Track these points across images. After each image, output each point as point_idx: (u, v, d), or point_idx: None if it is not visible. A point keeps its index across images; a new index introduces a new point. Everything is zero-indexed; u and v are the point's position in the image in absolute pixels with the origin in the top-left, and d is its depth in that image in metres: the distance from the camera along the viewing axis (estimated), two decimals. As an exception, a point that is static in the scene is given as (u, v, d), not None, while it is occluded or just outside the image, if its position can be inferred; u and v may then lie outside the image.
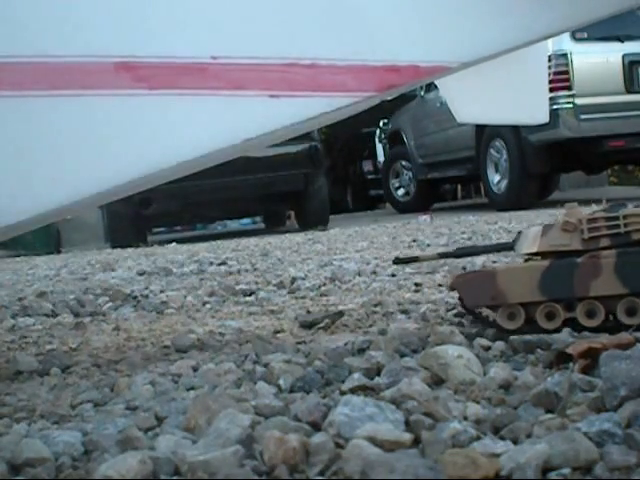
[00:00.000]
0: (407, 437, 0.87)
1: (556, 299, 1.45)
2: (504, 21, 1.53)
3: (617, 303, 1.43)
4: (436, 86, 2.45)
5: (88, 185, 1.41)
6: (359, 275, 2.91)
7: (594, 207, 1.59)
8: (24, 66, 1.38)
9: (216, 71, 1.42)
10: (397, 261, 1.76)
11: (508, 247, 1.64)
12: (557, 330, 1.43)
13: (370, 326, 1.82)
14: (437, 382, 1.18)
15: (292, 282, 2.86)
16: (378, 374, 1.26)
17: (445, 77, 1.74)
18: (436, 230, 5.58)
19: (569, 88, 7.23)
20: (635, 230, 1.44)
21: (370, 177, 14.10)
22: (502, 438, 0.91)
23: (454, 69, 1.54)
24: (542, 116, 2.21)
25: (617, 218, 1.45)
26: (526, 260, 1.58)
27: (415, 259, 1.73)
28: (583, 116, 7.22)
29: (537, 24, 1.54)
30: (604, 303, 1.44)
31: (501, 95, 2.11)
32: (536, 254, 1.52)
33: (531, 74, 2.10)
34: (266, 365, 1.39)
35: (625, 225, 1.44)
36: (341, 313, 1.94)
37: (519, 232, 1.62)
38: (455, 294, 1.65)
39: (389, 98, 1.61)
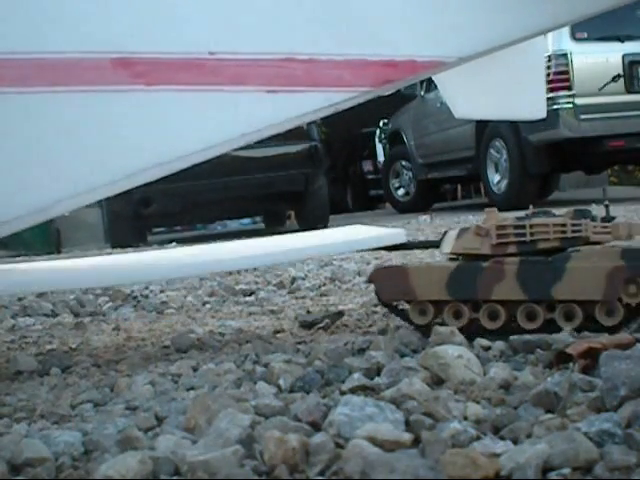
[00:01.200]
0: (407, 437, 0.87)
1: (462, 300, 1.51)
2: (501, 16, 1.53)
3: (517, 308, 1.48)
4: (436, 86, 2.44)
5: (87, 180, 1.41)
6: (359, 275, 2.91)
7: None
8: (22, 62, 1.38)
9: (214, 66, 1.42)
10: (389, 248, 1.84)
11: (435, 245, 1.69)
12: (462, 329, 1.46)
13: (370, 326, 1.82)
14: (437, 382, 1.18)
15: (292, 282, 2.86)
16: (378, 374, 1.26)
17: (442, 72, 1.74)
18: (436, 230, 5.58)
19: (569, 88, 7.23)
20: (540, 239, 1.48)
21: (370, 177, 14.09)
22: (502, 438, 0.91)
23: (451, 64, 1.54)
24: (539, 111, 2.21)
25: (524, 227, 1.49)
26: (449, 260, 1.62)
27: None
28: (583, 116, 7.21)
29: (534, 19, 1.54)
30: (506, 307, 1.49)
31: (498, 90, 2.10)
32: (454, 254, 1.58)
33: (528, 69, 2.10)
34: (266, 365, 1.39)
35: (531, 234, 1.48)
36: (341, 313, 1.94)
37: (445, 231, 1.66)
38: None
39: (386, 93, 1.61)
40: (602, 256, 1.44)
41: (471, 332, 1.45)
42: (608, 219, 1.52)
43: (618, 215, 1.74)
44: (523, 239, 1.49)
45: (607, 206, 1.52)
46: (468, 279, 1.49)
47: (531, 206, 1.62)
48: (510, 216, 1.57)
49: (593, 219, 1.51)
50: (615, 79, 1.91)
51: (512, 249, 1.49)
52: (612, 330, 1.40)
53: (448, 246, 1.57)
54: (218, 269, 2.00)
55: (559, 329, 1.42)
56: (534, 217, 1.52)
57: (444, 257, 1.64)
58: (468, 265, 1.51)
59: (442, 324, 1.50)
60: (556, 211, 1.54)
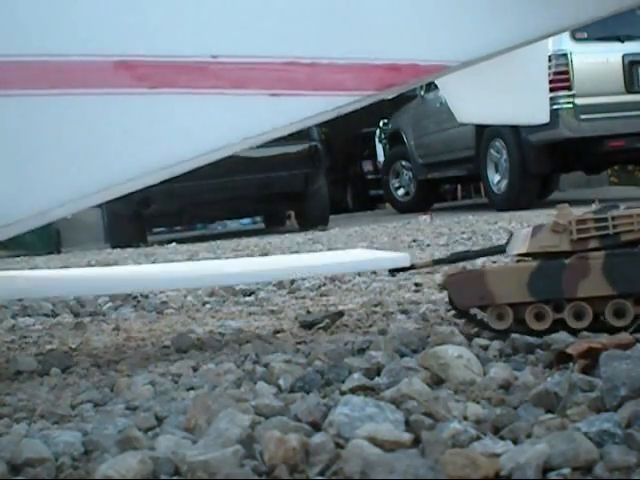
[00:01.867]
0: (407, 437, 0.87)
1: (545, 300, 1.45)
2: (503, 20, 1.53)
3: (605, 304, 1.43)
4: (436, 86, 2.45)
5: (88, 184, 1.41)
6: (359, 275, 2.91)
7: (593, 206, 1.58)
8: (24, 65, 1.38)
9: (216, 70, 1.42)
10: (393, 270, 1.77)
11: (500, 250, 1.64)
12: (547, 331, 1.43)
13: (370, 326, 1.82)
14: (437, 382, 1.18)
15: (292, 282, 2.86)
16: (378, 374, 1.26)
17: (445, 76, 1.74)
18: (436, 230, 5.58)
19: (569, 88, 7.23)
20: (624, 231, 1.44)
21: (370, 177, 14.10)
22: (502, 438, 0.91)
23: (454, 68, 1.54)
24: (542, 116, 2.21)
25: (606, 219, 1.45)
26: (517, 261, 1.58)
27: (411, 267, 1.73)
28: (583, 116, 7.21)
29: (536, 23, 1.54)
30: (592, 304, 1.44)
31: (501, 95, 2.11)
32: (527, 255, 1.52)
33: (531, 73, 2.10)
34: (266, 365, 1.39)
35: (614, 227, 1.44)
36: (341, 313, 1.94)
37: (510, 234, 1.62)
38: None
39: (389, 97, 1.62)
40: None
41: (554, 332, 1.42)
42: None
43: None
44: (606, 232, 1.45)
45: None
46: (552, 277, 1.45)
47: (597, 201, 1.58)
48: (583, 211, 1.53)
49: None
50: None
51: (594, 244, 1.45)
52: None
53: (521, 246, 1.52)
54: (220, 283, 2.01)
55: None
56: (612, 210, 1.48)
57: (512, 259, 1.57)
58: (550, 263, 1.46)
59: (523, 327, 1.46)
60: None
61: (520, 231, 1.57)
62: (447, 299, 1.61)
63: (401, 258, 1.75)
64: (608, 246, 1.44)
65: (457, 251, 1.71)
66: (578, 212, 1.51)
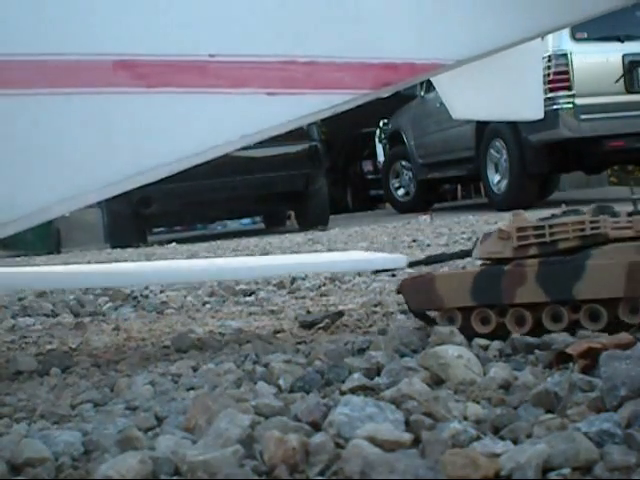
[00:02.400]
0: (407, 437, 0.87)
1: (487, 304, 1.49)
2: (499, 19, 1.53)
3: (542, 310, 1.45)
4: (436, 86, 2.45)
5: (86, 182, 1.41)
6: (359, 275, 2.91)
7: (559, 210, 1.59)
8: (23, 64, 1.38)
9: (214, 69, 1.42)
10: (376, 272, 1.80)
11: (470, 254, 1.66)
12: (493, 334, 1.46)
13: (370, 326, 1.82)
14: (437, 382, 1.18)
15: (292, 282, 2.86)
16: (378, 374, 1.26)
17: (440, 74, 1.75)
18: (436, 230, 5.58)
19: (569, 88, 7.23)
20: (560, 239, 1.46)
21: (370, 177, 14.10)
22: (502, 438, 0.91)
23: (449, 66, 1.54)
24: (537, 112, 2.21)
25: (543, 228, 1.47)
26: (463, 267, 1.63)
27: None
28: (583, 116, 7.21)
29: (532, 21, 1.54)
30: (531, 310, 1.46)
31: (495, 91, 2.11)
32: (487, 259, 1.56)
33: (525, 69, 2.10)
34: (266, 365, 1.39)
35: (551, 234, 1.46)
36: (341, 313, 1.94)
37: (477, 238, 1.64)
38: None
39: (385, 95, 1.62)
40: (622, 252, 1.42)
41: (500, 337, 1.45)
42: (635, 213, 1.48)
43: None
44: (543, 240, 1.47)
45: (635, 200, 1.48)
46: (491, 283, 1.48)
47: (563, 205, 1.60)
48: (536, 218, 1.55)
49: (614, 215, 1.47)
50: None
51: (533, 251, 1.47)
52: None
53: (476, 252, 1.57)
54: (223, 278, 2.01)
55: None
56: (559, 217, 1.50)
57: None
58: (490, 270, 1.50)
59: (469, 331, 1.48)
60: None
61: (481, 235, 1.59)
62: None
63: (399, 259, 1.75)
64: (545, 253, 1.46)
65: (432, 254, 1.75)
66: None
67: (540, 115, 2.20)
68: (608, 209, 1.48)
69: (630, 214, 1.47)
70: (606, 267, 1.40)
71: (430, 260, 1.76)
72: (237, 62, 1.43)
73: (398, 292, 1.63)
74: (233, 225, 13.19)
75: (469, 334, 1.46)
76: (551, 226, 1.46)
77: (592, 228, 1.44)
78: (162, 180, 1.49)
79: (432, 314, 1.61)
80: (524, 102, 2.20)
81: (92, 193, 1.43)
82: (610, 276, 1.39)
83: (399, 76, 1.49)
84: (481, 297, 1.48)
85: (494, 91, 2.10)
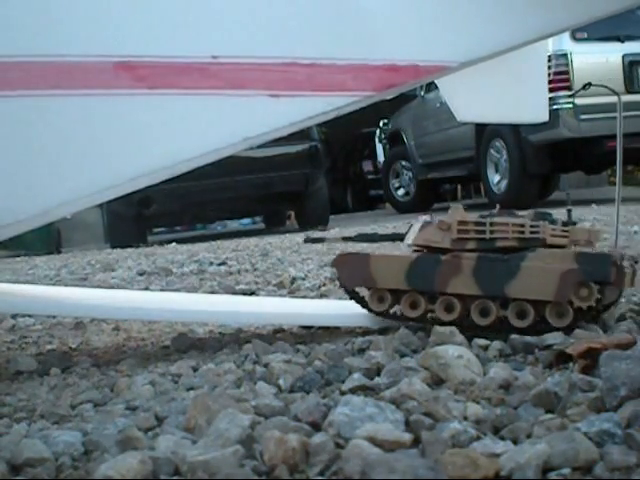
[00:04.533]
0: (407, 437, 0.87)
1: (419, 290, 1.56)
2: (503, 21, 1.53)
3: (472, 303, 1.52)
4: (436, 86, 2.45)
5: (88, 184, 1.41)
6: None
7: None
8: (24, 66, 1.38)
9: (216, 71, 1.42)
10: (307, 240, 1.83)
11: (401, 237, 1.73)
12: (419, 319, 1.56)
13: (370, 326, 1.82)
14: (437, 382, 1.18)
15: (292, 282, 2.86)
16: (378, 374, 1.26)
17: (444, 76, 1.75)
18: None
19: (569, 88, 7.23)
20: (499, 238, 1.52)
21: (370, 177, 14.10)
22: (502, 438, 0.91)
23: (453, 69, 1.54)
24: (542, 115, 2.21)
25: (484, 224, 1.52)
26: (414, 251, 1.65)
27: (322, 240, 1.80)
28: (583, 116, 7.21)
29: (536, 23, 1.54)
30: (462, 301, 1.52)
31: (501, 94, 2.11)
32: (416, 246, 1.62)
33: (531, 73, 2.10)
34: (266, 365, 1.39)
35: (491, 232, 1.52)
36: (341, 313, 1.94)
37: (410, 224, 1.69)
38: None
39: (388, 98, 1.62)
40: (557, 258, 1.47)
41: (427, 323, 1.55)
42: (569, 223, 1.55)
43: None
44: (482, 236, 1.52)
45: (569, 211, 1.56)
46: (427, 271, 1.54)
47: (498, 205, 1.64)
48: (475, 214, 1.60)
49: (553, 222, 1.54)
50: (585, 87, 1.96)
51: (471, 245, 1.53)
52: (561, 331, 1.43)
53: (411, 237, 1.62)
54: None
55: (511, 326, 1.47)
56: (498, 216, 1.55)
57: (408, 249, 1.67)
58: (428, 257, 1.56)
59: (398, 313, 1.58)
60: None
61: (417, 223, 1.64)
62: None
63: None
64: (482, 249, 1.52)
65: (365, 232, 1.81)
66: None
67: (545, 118, 2.20)
68: (547, 216, 1.54)
69: (565, 224, 1.54)
70: (540, 270, 1.46)
71: (361, 238, 1.80)
72: (239, 64, 1.43)
73: (332, 266, 1.67)
74: (233, 225, 13.18)
75: (397, 316, 1.57)
76: (492, 224, 1.52)
77: (531, 232, 1.50)
78: (162, 180, 1.49)
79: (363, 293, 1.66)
80: (528, 104, 2.20)
81: (93, 195, 1.43)
82: (543, 279, 1.45)
83: (402, 78, 1.49)
84: (415, 282, 1.55)
85: (498, 93, 2.10)
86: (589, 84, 1.79)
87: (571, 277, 1.44)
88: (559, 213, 1.69)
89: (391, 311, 1.60)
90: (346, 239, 1.80)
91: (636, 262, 1.69)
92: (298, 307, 1.98)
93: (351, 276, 1.62)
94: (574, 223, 1.57)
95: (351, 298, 1.67)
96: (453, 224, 1.54)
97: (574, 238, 1.52)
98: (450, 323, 1.51)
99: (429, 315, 1.58)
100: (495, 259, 1.49)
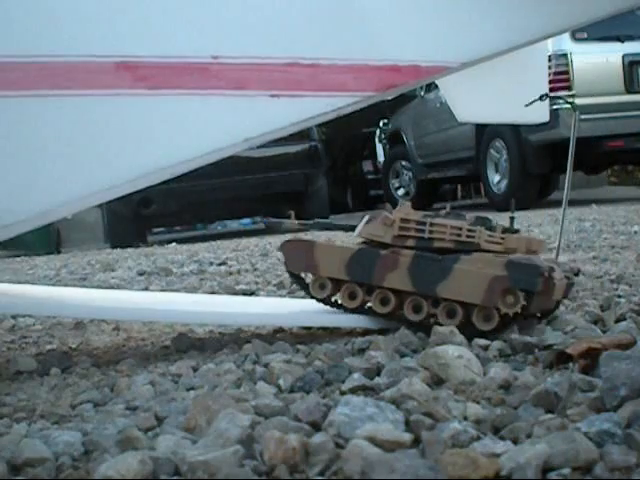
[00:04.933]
0: (407, 437, 0.87)
1: (357, 281, 1.60)
2: (504, 21, 1.53)
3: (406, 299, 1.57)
4: (436, 86, 2.46)
5: (88, 184, 1.41)
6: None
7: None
8: (25, 66, 1.38)
9: (217, 71, 1.42)
10: (269, 224, 1.88)
11: (354, 229, 1.75)
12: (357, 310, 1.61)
13: (370, 326, 1.82)
14: (437, 382, 1.18)
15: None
16: (378, 374, 1.26)
17: (445, 77, 1.75)
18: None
19: (569, 88, 7.23)
20: (437, 239, 1.56)
21: (370, 177, 14.10)
22: (502, 438, 0.91)
23: (454, 69, 1.54)
24: (542, 115, 2.21)
25: (425, 224, 1.57)
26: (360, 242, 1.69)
27: (280, 224, 1.86)
28: (583, 116, 7.20)
29: (536, 24, 1.54)
30: (396, 295, 1.57)
31: (501, 94, 2.11)
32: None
33: (531, 73, 2.10)
34: (266, 365, 1.39)
35: (430, 232, 1.56)
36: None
37: (363, 216, 1.72)
38: None
39: (389, 98, 1.63)
40: (488, 264, 1.50)
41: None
42: (511, 231, 1.59)
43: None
44: (421, 235, 1.57)
45: (512, 218, 1.60)
46: (366, 263, 1.58)
47: (448, 206, 1.67)
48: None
49: (491, 228, 1.58)
50: (542, 98, 1.98)
51: (410, 243, 1.58)
52: (486, 335, 1.47)
53: (357, 230, 1.66)
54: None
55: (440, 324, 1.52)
56: (440, 217, 1.60)
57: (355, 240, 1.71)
58: (368, 250, 1.60)
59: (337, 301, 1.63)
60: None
61: (365, 216, 1.68)
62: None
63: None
64: (420, 248, 1.56)
65: (321, 220, 1.85)
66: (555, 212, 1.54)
67: (545, 118, 2.20)
68: (487, 221, 1.59)
69: (504, 231, 1.58)
70: (471, 274, 1.50)
71: (317, 225, 1.83)
72: (240, 64, 1.44)
73: (279, 250, 1.72)
74: (233, 225, 13.18)
75: (338, 305, 1.63)
76: (432, 224, 1.57)
77: (468, 236, 1.55)
78: (162, 181, 1.49)
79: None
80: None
81: (93, 196, 1.43)
82: (472, 283, 1.50)
83: (403, 78, 1.49)
84: (354, 273, 1.60)
85: (499, 94, 2.10)
86: (546, 95, 1.83)
87: (499, 283, 1.47)
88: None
89: (332, 299, 1.66)
90: (302, 225, 1.83)
91: (576, 275, 1.76)
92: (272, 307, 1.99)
93: (296, 261, 1.68)
94: (516, 231, 1.59)
95: (294, 282, 1.73)
96: (396, 221, 1.58)
97: (509, 246, 1.55)
98: (385, 316, 1.59)
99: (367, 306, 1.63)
100: (430, 258, 1.54)
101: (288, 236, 1.89)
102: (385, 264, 1.57)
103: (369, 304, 1.62)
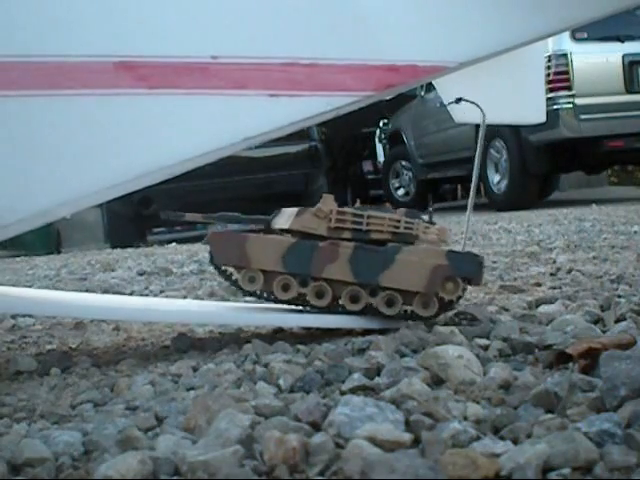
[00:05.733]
0: (407, 437, 0.87)
1: (294, 273, 1.60)
2: (502, 21, 1.53)
3: (343, 289, 1.59)
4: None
5: (88, 184, 1.41)
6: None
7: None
8: (24, 66, 1.38)
9: (216, 70, 1.42)
10: (165, 216, 1.81)
11: (266, 221, 1.76)
12: (290, 302, 1.62)
13: (370, 326, 1.82)
14: (437, 382, 1.18)
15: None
16: (378, 374, 1.26)
17: (442, 77, 1.75)
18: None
19: (569, 88, 7.24)
20: (375, 230, 1.60)
21: (370, 177, 14.10)
22: (502, 438, 0.91)
23: (452, 69, 1.54)
24: (539, 116, 2.21)
25: (362, 216, 1.60)
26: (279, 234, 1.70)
27: (182, 216, 1.80)
28: (583, 116, 7.22)
29: (535, 24, 1.54)
30: (333, 287, 1.60)
31: (498, 95, 2.11)
32: (288, 231, 1.67)
33: (528, 74, 2.10)
34: (266, 365, 1.39)
35: (367, 224, 1.60)
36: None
37: (276, 211, 1.74)
38: None
39: (387, 98, 1.63)
40: (429, 254, 1.58)
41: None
42: (431, 223, 1.67)
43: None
44: (359, 227, 1.61)
45: (430, 212, 1.68)
46: (304, 255, 1.59)
47: (358, 200, 1.70)
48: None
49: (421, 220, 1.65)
50: (457, 102, 2.00)
51: (347, 235, 1.61)
52: (425, 320, 1.58)
53: (285, 223, 1.66)
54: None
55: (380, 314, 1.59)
56: (370, 209, 1.64)
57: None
58: (305, 243, 1.61)
59: (270, 294, 1.63)
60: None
61: (286, 210, 1.70)
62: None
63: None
64: (358, 239, 1.60)
65: (227, 213, 1.81)
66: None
67: (542, 119, 2.20)
68: (415, 214, 1.65)
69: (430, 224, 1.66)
70: (413, 263, 1.57)
71: (222, 218, 1.81)
72: (239, 64, 1.44)
73: (205, 243, 1.68)
74: (233, 225, 13.18)
75: (267, 298, 1.63)
76: (369, 216, 1.61)
77: (406, 228, 1.61)
78: (162, 180, 1.49)
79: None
80: (526, 105, 2.20)
81: (93, 195, 1.43)
82: (415, 272, 1.57)
83: (401, 78, 1.49)
84: (291, 265, 1.60)
85: (496, 94, 2.10)
86: (460, 99, 1.86)
87: (441, 272, 1.57)
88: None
89: (263, 292, 1.65)
90: (207, 218, 1.80)
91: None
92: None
93: (225, 254, 1.65)
94: (433, 224, 1.68)
95: (220, 275, 1.71)
96: (332, 213, 1.61)
97: (430, 237, 1.64)
98: (321, 308, 1.61)
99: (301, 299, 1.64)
100: (371, 250, 1.58)
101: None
102: (324, 255, 1.58)
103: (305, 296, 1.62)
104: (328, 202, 1.63)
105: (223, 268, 1.69)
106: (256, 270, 1.62)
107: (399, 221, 1.61)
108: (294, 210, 1.66)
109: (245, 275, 1.64)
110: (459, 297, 1.60)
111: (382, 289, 1.58)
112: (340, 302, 1.61)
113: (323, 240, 1.61)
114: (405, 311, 1.61)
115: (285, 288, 1.62)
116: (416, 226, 1.62)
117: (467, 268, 1.59)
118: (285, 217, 1.67)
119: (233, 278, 1.68)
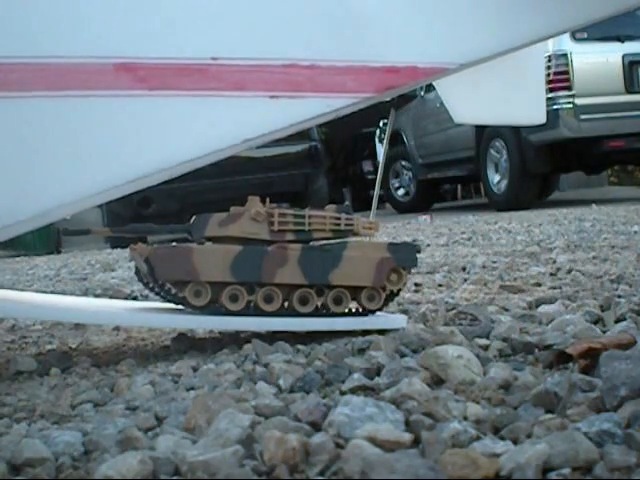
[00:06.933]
0: (407, 437, 0.87)
1: (244, 282, 1.56)
2: (502, 22, 1.53)
3: (294, 292, 1.58)
4: (436, 86, 2.46)
5: (88, 185, 1.42)
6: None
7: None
8: (24, 67, 1.38)
9: (216, 72, 1.42)
10: (65, 232, 1.74)
11: (184, 230, 1.68)
12: (241, 313, 1.57)
13: (370, 326, 1.82)
14: (437, 382, 1.18)
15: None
16: (378, 374, 1.26)
17: (443, 78, 1.75)
18: (436, 230, 5.58)
19: (569, 88, 7.24)
20: (317, 230, 1.60)
21: (370, 177, 14.10)
22: (502, 438, 0.91)
23: (452, 70, 1.54)
24: (539, 116, 2.21)
25: (304, 217, 1.60)
26: (202, 243, 1.62)
27: (87, 232, 1.69)
28: (583, 116, 7.22)
29: (535, 25, 1.54)
30: (282, 290, 1.58)
31: (498, 95, 2.11)
32: (221, 239, 1.59)
33: (528, 74, 2.11)
34: (266, 365, 1.39)
35: (309, 224, 1.60)
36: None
37: (195, 217, 1.64)
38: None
39: (387, 99, 1.63)
40: (373, 248, 1.62)
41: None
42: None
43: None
44: (302, 228, 1.60)
45: (348, 205, 1.69)
46: (253, 262, 1.56)
47: (268, 199, 1.67)
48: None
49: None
50: (392, 102, 2.02)
51: (290, 237, 1.60)
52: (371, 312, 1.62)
53: (217, 230, 1.59)
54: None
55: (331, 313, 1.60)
56: (307, 209, 1.64)
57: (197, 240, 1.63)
58: (254, 249, 1.58)
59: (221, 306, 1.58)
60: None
61: (208, 215, 1.62)
62: (145, 272, 1.62)
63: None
64: (302, 240, 1.60)
65: (137, 224, 1.74)
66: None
67: (542, 119, 2.20)
68: (346, 209, 1.66)
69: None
70: (359, 259, 1.60)
71: (131, 229, 1.72)
72: (239, 65, 1.44)
73: (145, 260, 1.57)
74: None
75: (218, 311, 1.57)
76: (310, 216, 1.60)
77: (346, 225, 1.62)
78: (162, 181, 1.50)
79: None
80: (526, 106, 2.20)
81: (92, 197, 1.43)
82: (362, 267, 1.59)
83: (401, 80, 1.49)
84: (241, 274, 1.56)
85: (496, 95, 2.10)
86: (395, 99, 1.88)
87: (386, 264, 1.61)
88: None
89: (212, 305, 1.58)
90: (115, 231, 1.67)
91: None
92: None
93: (170, 269, 1.55)
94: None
95: (156, 293, 1.67)
96: (275, 216, 1.59)
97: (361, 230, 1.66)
98: (271, 314, 1.58)
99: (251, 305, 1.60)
100: (320, 249, 1.59)
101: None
102: (274, 260, 1.56)
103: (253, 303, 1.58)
104: (254, 204, 1.60)
105: (162, 283, 1.60)
106: (202, 283, 1.55)
107: (339, 218, 1.62)
108: (222, 216, 1.59)
109: (192, 289, 1.56)
110: (402, 287, 1.64)
111: (330, 287, 1.59)
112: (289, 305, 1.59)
113: (265, 244, 1.57)
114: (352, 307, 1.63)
115: (233, 298, 1.56)
116: (356, 222, 1.63)
117: (407, 257, 1.62)
118: (214, 224, 1.59)
119: (176, 294, 1.59)
